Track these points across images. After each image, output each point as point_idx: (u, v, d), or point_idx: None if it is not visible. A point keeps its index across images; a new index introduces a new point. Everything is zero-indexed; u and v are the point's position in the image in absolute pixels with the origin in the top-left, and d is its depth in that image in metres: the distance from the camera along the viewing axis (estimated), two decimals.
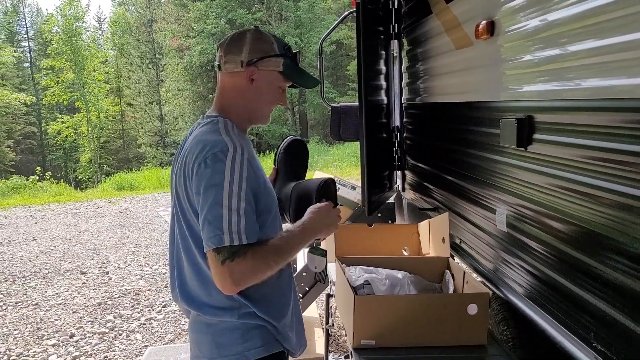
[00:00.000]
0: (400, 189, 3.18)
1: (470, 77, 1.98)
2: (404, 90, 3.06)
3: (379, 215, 3.31)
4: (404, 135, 3.08)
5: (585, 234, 1.27)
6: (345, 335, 3.81)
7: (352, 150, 16.75)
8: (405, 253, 2.16)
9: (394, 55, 3.13)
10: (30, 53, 34.09)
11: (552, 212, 1.42)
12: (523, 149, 1.53)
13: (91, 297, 5.10)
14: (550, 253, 1.44)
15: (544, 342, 1.77)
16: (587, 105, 1.24)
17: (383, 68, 3.02)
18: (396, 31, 3.04)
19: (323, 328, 3.71)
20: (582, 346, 1.26)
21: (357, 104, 3.54)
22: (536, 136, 1.48)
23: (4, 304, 5.09)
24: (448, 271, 1.83)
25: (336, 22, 3.45)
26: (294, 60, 1.46)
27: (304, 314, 3.40)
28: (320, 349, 3.23)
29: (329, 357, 2.18)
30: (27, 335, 4.29)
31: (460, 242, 2.16)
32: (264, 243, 1.25)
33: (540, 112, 1.47)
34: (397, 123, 3.13)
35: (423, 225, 2.16)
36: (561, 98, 1.35)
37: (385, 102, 3.05)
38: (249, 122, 1.44)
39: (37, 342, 4.15)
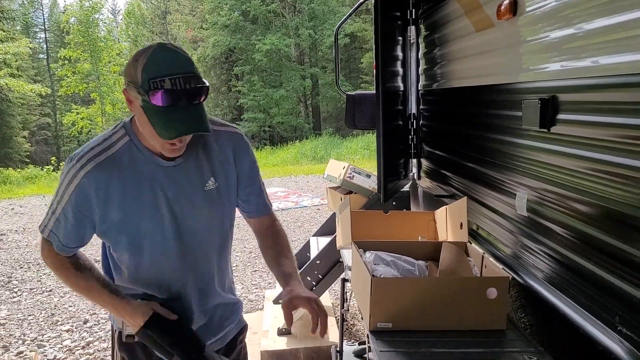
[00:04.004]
0: (415, 177, 3.15)
1: (490, 60, 1.94)
2: (420, 77, 3.02)
3: (394, 203, 3.28)
4: (421, 122, 3.04)
5: (612, 215, 1.23)
6: (359, 322, 3.80)
7: (365, 143, 16.69)
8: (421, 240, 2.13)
9: (411, 41, 3.09)
10: (46, 44, 34.36)
11: (576, 194, 1.38)
12: (546, 130, 1.49)
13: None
14: (574, 236, 1.40)
15: (563, 328, 1.74)
16: (614, 82, 1.20)
17: (400, 54, 2.98)
18: (413, 17, 3.00)
19: (336, 316, 3.70)
20: (606, 330, 1.23)
21: (372, 92, 3.52)
22: (560, 116, 1.44)
23: (19, 290, 5.14)
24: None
25: (353, 8, 3.41)
26: (164, 99, 1.20)
27: None
28: (333, 337, 3.22)
29: (344, 344, 2.16)
30: (42, 321, 4.33)
31: (478, 229, 2.12)
32: (74, 259, 1.43)
33: (564, 92, 1.43)
34: (414, 110, 3.09)
35: (440, 212, 2.13)
36: (587, 76, 1.31)
37: (402, 89, 3.01)
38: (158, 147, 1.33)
39: (51, 328, 4.19)
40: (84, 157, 1.32)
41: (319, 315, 1.35)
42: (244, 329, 1.74)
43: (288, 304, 1.37)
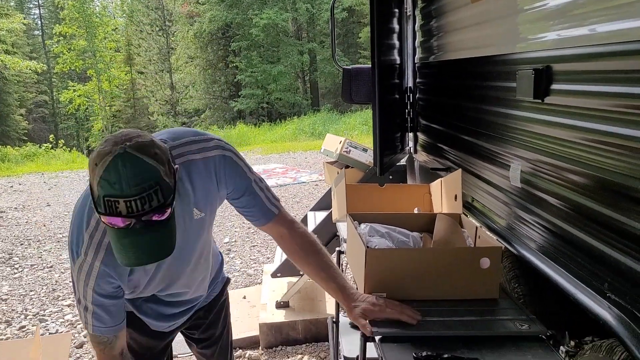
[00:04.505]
0: (412, 150, 3.15)
1: (486, 31, 1.92)
2: (417, 49, 2.99)
3: (390, 177, 3.28)
4: (417, 96, 3.03)
5: (605, 185, 1.24)
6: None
7: (363, 119, 16.63)
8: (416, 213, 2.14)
9: (407, 13, 3.05)
10: (41, 20, 33.94)
11: (569, 164, 1.38)
12: (540, 100, 1.49)
13: None
14: (566, 206, 1.42)
15: (555, 297, 1.77)
16: (610, 50, 1.20)
17: (396, 27, 2.95)
18: None
19: None
20: (595, 297, 1.24)
21: (368, 66, 3.49)
22: (554, 87, 1.44)
23: (20, 266, 5.19)
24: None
25: None
26: (117, 225, 1.10)
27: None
28: (330, 309, 3.26)
29: (340, 315, 2.19)
30: (43, 296, 4.38)
31: (473, 201, 2.14)
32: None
33: (559, 62, 1.42)
34: (410, 84, 3.08)
35: (435, 185, 2.14)
36: (581, 44, 1.30)
37: (398, 62, 2.99)
38: None
39: (52, 303, 4.24)
40: (90, 248, 1.29)
41: (396, 310, 1.37)
42: (226, 283, 1.86)
43: (360, 316, 1.39)
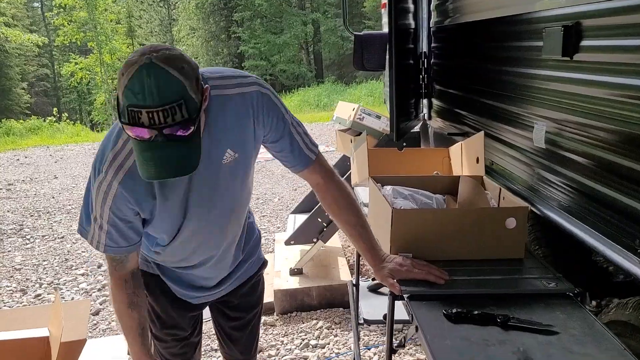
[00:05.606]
0: (426, 117, 3.13)
1: None
2: (432, 13, 2.94)
3: (404, 144, 3.26)
4: (432, 61, 2.99)
5: (635, 139, 1.23)
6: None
7: (368, 89, 16.51)
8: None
9: None
10: None
11: (597, 121, 1.37)
12: (569, 58, 1.46)
13: None
14: (594, 164, 1.41)
15: (576, 258, 1.77)
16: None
17: None
18: None
19: (347, 256, 3.77)
20: (625, 253, 1.25)
21: (380, 32, 3.44)
22: (584, 43, 1.41)
23: (31, 237, 5.23)
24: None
25: None
26: (139, 136, 1.09)
27: (327, 244, 3.45)
28: (344, 275, 3.29)
29: (359, 279, 2.21)
30: (57, 266, 4.42)
31: (492, 164, 2.12)
32: (132, 297, 1.43)
33: (588, 17, 1.39)
34: (425, 49, 3.04)
35: (454, 149, 2.12)
36: None
37: (413, 26, 2.94)
38: None
39: (66, 272, 4.28)
40: (112, 166, 1.27)
41: (424, 270, 1.38)
42: (262, 265, 1.78)
43: (388, 276, 1.40)
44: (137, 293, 1.44)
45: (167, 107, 1.06)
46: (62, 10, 21.63)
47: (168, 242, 1.45)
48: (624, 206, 1.28)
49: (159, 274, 1.59)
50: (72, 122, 18.11)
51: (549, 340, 1.14)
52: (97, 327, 3.30)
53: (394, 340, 1.48)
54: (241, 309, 1.76)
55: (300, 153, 1.44)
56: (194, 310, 1.68)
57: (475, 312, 1.24)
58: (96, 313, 3.46)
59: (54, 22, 23.36)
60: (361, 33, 3.31)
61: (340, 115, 3.55)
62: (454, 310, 1.24)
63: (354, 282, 2.21)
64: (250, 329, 1.81)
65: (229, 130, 1.34)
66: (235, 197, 1.47)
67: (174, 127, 1.08)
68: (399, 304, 1.39)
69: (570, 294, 1.33)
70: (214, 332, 1.91)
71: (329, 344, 2.85)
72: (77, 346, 2.21)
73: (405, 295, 1.34)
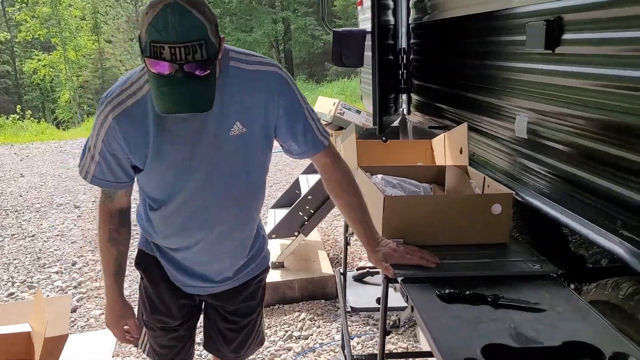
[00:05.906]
0: (405, 111, 3.19)
1: None
2: (411, 10, 3.00)
3: (383, 139, 3.32)
4: (411, 57, 3.05)
5: (615, 126, 1.30)
6: (356, 250, 3.91)
7: (340, 88, 16.56)
8: None
9: None
10: None
11: (578, 111, 1.44)
12: (551, 51, 1.53)
13: (88, 229, 5.12)
14: (575, 151, 1.48)
15: (555, 244, 1.85)
16: None
17: None
18: None
19: (327, 249, 3.80)
20: (607, 235, 1.32)
21: (359, 29, 3.49)
22: (566, 37, 1.48)
23: (0, 236, 5.09)
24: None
25: None
26: (160, 70, 1.14)
27: (307, 238, 3.48)
28: (325, 268, 3.33)
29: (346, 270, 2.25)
30: (28, 264, 4.33)
31: (474, 156, 2.19)
32: (114, 232, 1.51)
33: (569, 12, 1.47)
34: (404, 45, 3.10)
35: (437, 140, 2.19)
36: None
37: (393, 23, 3.00)
38: None
39: (39, 270, 4.20)
40: (113, 100, 1.32)
41: (416, 256, 1.44)
42: (265, 270, 1.75)
43: (382, 260, 1.45)
44: (120, 231, 1.52)
45: (188, 44, 1.11)
46: (24, 5, 21.05)
47: (162, 204, 1.45)
48: (605, 190, 1.35)
49: (157, 256, 1.58)
50: (37, 120, 17.63)
51: (537, 317, 1.21)
52: (75, 324, 3.26)
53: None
54: (240, 314, 1.72)
55: (314, 138, 1.47)
56: (186, 298, 1.66)
57: (467, 293, 1.29)
58: (73, 310, 3.41)
59: (15, 18, 22.71)
60: (340, 30, 3.35)
61: (320, 110, 3.59)
62: (447, 291, 1.30)
63: (342, 272, 2.25)
64: (247, 331, 1.76)
65: (241, 103, 1.36)
66: (233, 172, 1.44)
67: (194, 64, 1.13)
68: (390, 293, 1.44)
69: (555, 275, 1.40)
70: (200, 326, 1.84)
71: (312, 335, 2.89)
72: (59, 342, 2.19)
73: (399, 278, 1.39)
